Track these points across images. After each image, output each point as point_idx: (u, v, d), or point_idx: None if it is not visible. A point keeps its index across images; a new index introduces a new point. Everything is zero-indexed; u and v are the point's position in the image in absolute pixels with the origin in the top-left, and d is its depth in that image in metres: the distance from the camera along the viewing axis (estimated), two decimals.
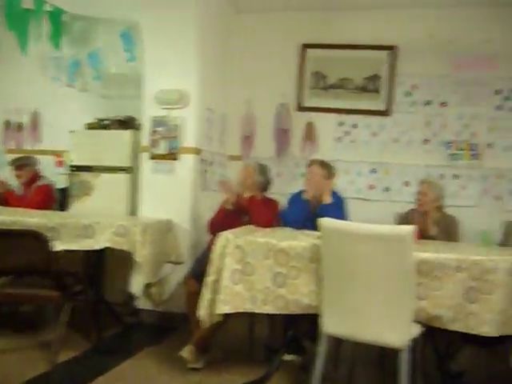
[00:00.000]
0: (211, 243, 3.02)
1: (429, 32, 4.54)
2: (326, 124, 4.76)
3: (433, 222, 3.49)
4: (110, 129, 4.58)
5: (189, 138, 4.07)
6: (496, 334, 2.45)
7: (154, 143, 4.09)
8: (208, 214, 3.78)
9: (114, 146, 4.45)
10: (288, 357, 3.26)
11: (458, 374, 3.11)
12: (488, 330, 2.43)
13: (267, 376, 3.00)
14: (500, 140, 4.46)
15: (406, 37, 4.58)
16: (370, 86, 4.70)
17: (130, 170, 4.39)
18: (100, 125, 4.65)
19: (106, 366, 3.07)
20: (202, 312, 2.75)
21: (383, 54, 4.65)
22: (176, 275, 3.99)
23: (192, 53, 4.05)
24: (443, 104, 4.56)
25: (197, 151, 4.10)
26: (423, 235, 3.32)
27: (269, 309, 2.69)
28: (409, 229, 2.25)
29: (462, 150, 4.50)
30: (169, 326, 3.92)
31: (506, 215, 4.28)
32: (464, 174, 4.50)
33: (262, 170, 3.72)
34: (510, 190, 4.42)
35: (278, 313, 2.71)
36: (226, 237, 2.75)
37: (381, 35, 4.63)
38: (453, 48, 4.52)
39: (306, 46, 4.79)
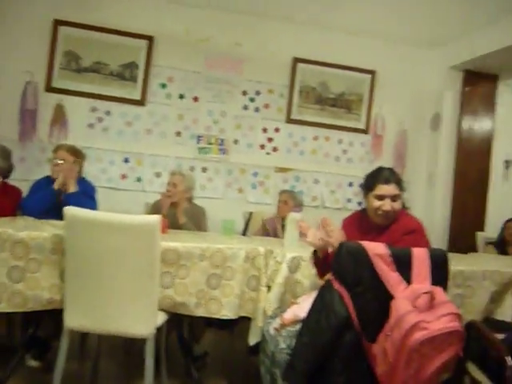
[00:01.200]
0: None
1: (186, 28, 4.68)
2: (77, 108, 4.51)
3: (182, 212, 3.60)
4: None
5: None
6: (234, 317, 2.64)
7: None
8: None
9: None
10: (30, 361, 3.00)
11: (201, 356, 3.27)
12: (227, 313, 2.61)
13: (2, 381, 2.71)
14: (244, 137, 4.85)
15: (163, 29, 4.64)
16: (126, 73, 4.62)
17: None
18: None
19: None
20: None
21: (141, 42, 4.62)
22: None
23: None
24: (196, 99, 4.75)
25: None
26: (173, 225, 3.41)
27: (4, 307, 2.42)
28: (156, 218, 2.26)
29: (211, 144, 4.77)
30: None
31: (247, 207, 4.69)
32: (212, 167, 4.77)
33: (3, 153, 3.36)
34: (251, 184, 4.84)
35: (14, 311, 2.47)
36: None
37: (139, 24, 4.59)
38: (206, 47, 4.74)
39: (59, 23, 4.46)
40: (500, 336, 1.89)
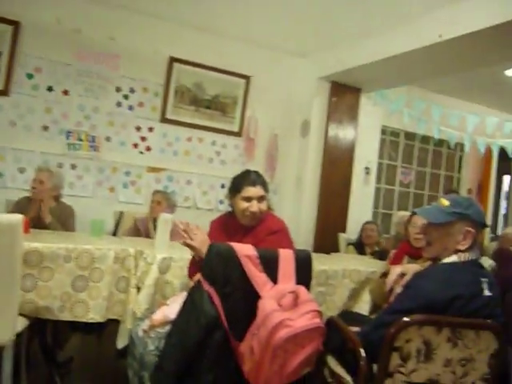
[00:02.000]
0: None
1: (56, 16, 4.43)
2: None
3: (48, 211, 3.44)
4: None
5: None
6: (102, 320, 2.58)
7: None
8: None
9: None
10: None
11: (65, 362, 3.14)
12: (94, 316, 2.55)
13: None
14: (117, 135, 4.72)
15: (32, 15, 4.33)
16: None
17: None
18: None
19: None
20: None
21: (6, 27, 4.27)
22: None
23: None
24: (65, 92, 4.52)
25: None
26: (38, 224, 3.25)
27: None
28: (17, 217, 2.13)
29: (81, 140, 4.57)
30: None
31: (118, 206, 4.58)
32: (82, 165, 4.57)
33: None
34: (122, 183, 4.73)
35: None
36: None
37: (4, 7, 4.23)
38: (78, 38, 4.53)
39: None
40: (355, 329, 2.04)
